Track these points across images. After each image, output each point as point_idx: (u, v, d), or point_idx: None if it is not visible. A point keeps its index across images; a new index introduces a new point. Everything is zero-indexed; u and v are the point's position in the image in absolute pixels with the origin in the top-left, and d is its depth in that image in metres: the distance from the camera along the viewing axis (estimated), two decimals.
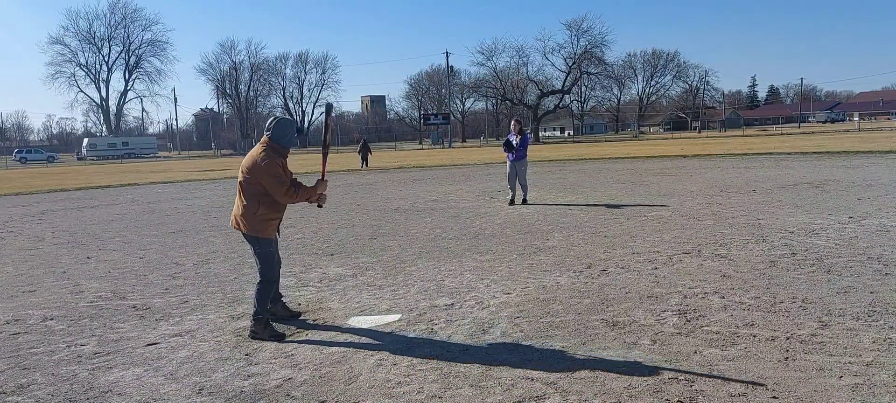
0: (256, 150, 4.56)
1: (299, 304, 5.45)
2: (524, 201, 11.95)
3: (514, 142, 11.66)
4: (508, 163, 11.94)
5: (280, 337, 4.55)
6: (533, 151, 39.28)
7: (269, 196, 4.52)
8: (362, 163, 29.71)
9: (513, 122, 12.25)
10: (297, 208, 12.49)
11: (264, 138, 4.58)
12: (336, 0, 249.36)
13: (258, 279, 4.65)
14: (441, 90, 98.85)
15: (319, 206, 4.87)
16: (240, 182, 4.60)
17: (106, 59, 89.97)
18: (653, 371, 3.64)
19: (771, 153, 25.37)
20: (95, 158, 70.33)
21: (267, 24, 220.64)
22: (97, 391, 3.71)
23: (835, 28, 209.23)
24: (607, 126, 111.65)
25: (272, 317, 4.87)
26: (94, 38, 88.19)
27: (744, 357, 3.78)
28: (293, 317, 5.02)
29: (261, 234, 4.57)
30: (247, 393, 3.60)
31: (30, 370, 4.09)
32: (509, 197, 12.03)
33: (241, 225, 4.58)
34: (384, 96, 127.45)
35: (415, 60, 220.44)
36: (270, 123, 4.60)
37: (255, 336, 4.57)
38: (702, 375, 3.55)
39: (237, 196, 4.67)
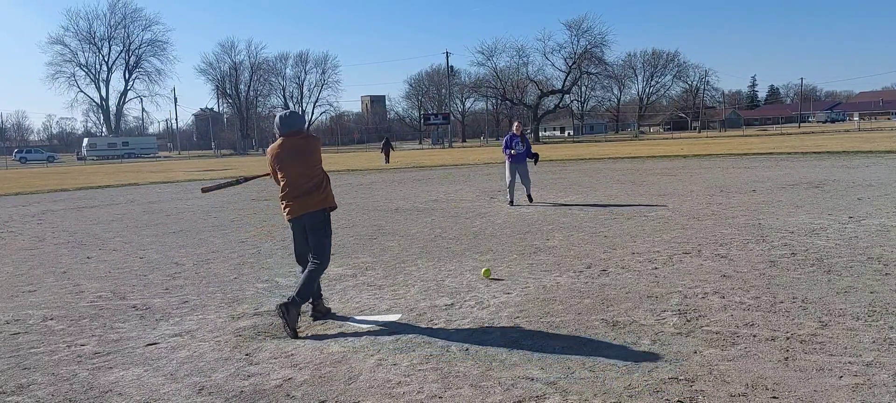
0: None
1: None
2: (529, 198, 11.98)
3: (519, 148, 11.68)
4: (507, 163, 11.91)
5: (294, 333, 4.60)
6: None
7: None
8: (385, 159, 34.11)
9: (515, 125, 12.17)
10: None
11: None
12: (336, 0, 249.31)
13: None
14: (441, 90, 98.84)
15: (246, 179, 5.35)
16: None
17: (106, 59, 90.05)
18: (653, 371, 3.64)
19: (771, 153, 25.37)
20: (95, 158, 70.34)
21: (267, 24, 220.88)
22: (97, 391, 3.71)
23: (835, 28, 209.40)
24: (607, 126, 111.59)
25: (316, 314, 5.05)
26: (94, 38, 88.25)
27: (744, 357, 3.78)
28: (325, 315, 5.10)
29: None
30: (247, 393, 3.59)
31: (30, 370, 4.09)
32: (508, 198, 11.95)
33: None
34: (384, 96, 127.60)
35: (415, 60, 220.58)
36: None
37: (284, 314, 4.58)
38: (702, 375, 3.55)
39: None
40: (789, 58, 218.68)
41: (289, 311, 4.57)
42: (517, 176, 11.80)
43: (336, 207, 5.03)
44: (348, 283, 6.16)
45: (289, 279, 6.42)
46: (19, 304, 5.80)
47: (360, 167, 29.60)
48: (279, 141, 4.87)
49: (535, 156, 12.14)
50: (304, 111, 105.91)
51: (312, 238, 4.89)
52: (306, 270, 4.83)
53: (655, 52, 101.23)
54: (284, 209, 4.91)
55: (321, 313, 5.05)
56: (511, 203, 11.85)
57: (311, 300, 4.97)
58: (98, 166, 49.12)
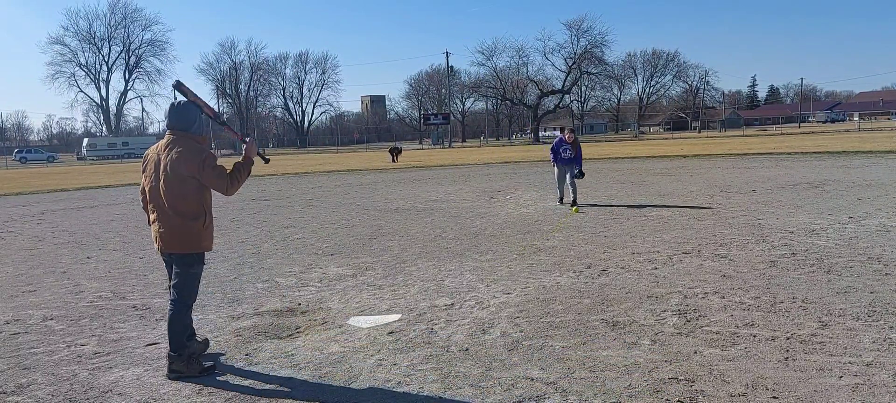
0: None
1: (299, 304, 5.45)
2: (574, 202, 11.44)
3: (566, 154, 11.45)
4: (556, 165, 11.71)
5: (210, 370, 3.93)
6: (532, 151, 39.21)
7: None
8: (393, 158, 35.71)
9: (567, 132, 11.69)
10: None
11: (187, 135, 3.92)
12: (336, 0, 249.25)
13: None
14: (441, 90, 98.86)
15: None
16: None
17: (106, 59, 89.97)
18: (653, 371, 3.64)
19: (771, 153, 25.37)
20: (95, 158, 70.28)
21: (267, 24, 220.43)
22: (97, 391, 3.71)
23: (835, 28, 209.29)
24: (607, 126, 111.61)
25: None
26: (93, 38, 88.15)
27: (744, 357, 3.78)
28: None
29: None
30: (247, 393, 3.60)
31: (30, 370, 4.09)
32: (558, 196, 11.82)
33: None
34: (384, 96, 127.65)
35: (415, 60, 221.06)
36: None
37: (178, 375, 3.84)
38: (702, 375, 3.55)
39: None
40: (789, 58, 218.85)
41: (178, 372, 3.82)
42: (567, 176, 11.54)
43: (210, 248, 4.04)
44: (348, 283, 6.16)
45: (288, 279, 6.42)
46: (19, 304, 5.80)
47: (360, 167, 29.61)
48: (165, 139, 3.92)
49: (580, 172, 11.66)
50: (303, 111, 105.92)
51: (177, 274, 3.91)
52: (169, 313, 3.88)
53: (655, 52, 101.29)
54: (152, 233, 3.99)
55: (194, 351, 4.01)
56: (560, 201, 11.72)
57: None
58: (98, 166, 49.12)
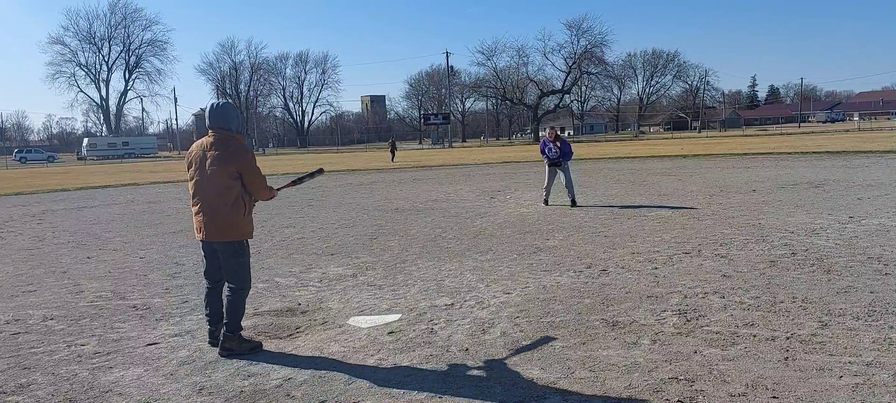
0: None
1: (299, 304, 5.45)
2: (573, 202, 11.33)
3: (552, 153, 11.50)
4: (546, 166, 11.77)
5: (258, 346, 4.31)
6: (532, 151, 39.28)
7: None
8: (392, 157, 35.77)
9: (548, 129, 11.87)
10: (289, 205, 12.48)
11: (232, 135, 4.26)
12: (336, 0, 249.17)
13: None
14: (441, 90, 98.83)
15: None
16: None
17: (106, 59, 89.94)
18: (653, 371, 3.64)
19: (771, 153, 25.37)
20: (95, 158, 70.26)
21: (267, 24, 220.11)
22: (97, 390, 3.71)
23: (835, 28, 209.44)
24: (607, 126, 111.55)
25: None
26: (94, 38, 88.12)
27: (744, 357, 3.78)
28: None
29: None
30: (247, 393, 3.60)
31: (30, 369, 4.09)
32: (544, 198, 11.84)
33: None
34: (384, 96, 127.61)
35: (415, 60, 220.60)
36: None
37: (229, 353, 4.20)
38: (702, 375, 3.55)
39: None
40: (789, 58, 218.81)
41: (231, 349, 4.18)
42: (556, 178, 11.62)
43: (252, 236, 4.40)
44: (348, 283, 6.16)
45: (288, 279, 6.43)
46: (19, 304, 5.80)
47: (361, 167, 29.62)
48: (207, 137, 4.26)
49: (565, 155, 11.56)
50: (304, 111, 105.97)
51: (225, 264, 4.26)
52: (227, 298, 4.24)
53: (655, 52, 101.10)
54: (195, 224, 4.29)
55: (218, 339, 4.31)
56: (545, 203, 11.72)
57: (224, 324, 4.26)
58: (98, 166, 49.11)
